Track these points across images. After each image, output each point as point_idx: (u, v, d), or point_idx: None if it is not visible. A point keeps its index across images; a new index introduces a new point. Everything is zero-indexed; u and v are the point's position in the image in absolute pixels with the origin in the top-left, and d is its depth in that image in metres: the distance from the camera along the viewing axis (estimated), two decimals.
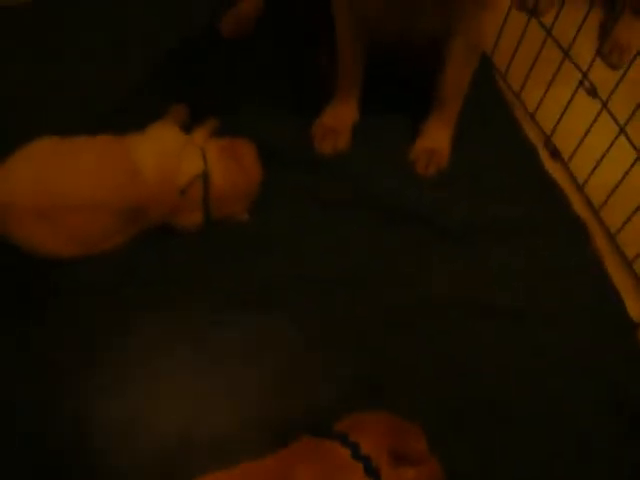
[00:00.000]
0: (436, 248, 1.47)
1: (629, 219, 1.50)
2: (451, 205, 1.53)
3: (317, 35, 1.69)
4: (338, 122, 1.62)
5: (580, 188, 1.64)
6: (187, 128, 1.50)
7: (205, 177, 1.36)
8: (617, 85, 1.50)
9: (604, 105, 1.54)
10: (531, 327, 1.38)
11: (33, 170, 1.29)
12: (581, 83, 1.59)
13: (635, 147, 1.48)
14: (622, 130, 1.51)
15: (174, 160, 1.35)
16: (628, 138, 1.50)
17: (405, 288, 1.41)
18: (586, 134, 1.60)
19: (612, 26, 1.97)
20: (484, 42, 1.52)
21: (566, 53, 1.61)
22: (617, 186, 1.53)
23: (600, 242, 1.56)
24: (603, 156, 1.55)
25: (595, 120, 1.57)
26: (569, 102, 1.63)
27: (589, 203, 1.62)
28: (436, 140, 1.62)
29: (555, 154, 1.70)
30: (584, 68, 1.59)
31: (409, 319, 1.36)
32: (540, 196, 1.59)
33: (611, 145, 1.53)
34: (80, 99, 1.61)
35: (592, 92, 1.57)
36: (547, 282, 1.45)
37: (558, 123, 1.67)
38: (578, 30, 1.55)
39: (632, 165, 1.48)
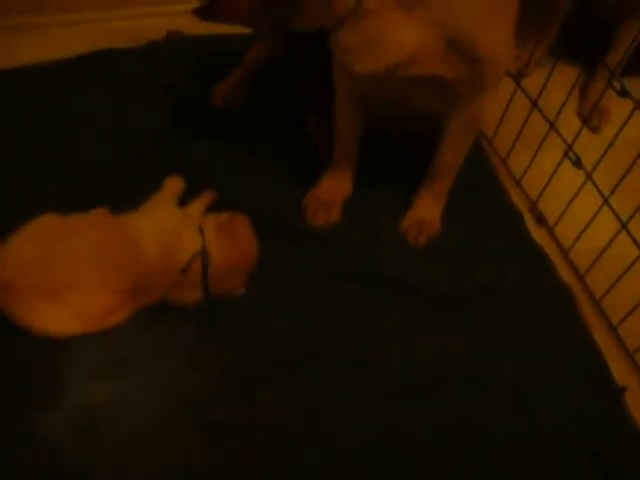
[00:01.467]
0: (430, 319, 1.51)
1: (614, 285, 1.55)
2: (442, 274, 1.57)
3: (309, 105, 1.74)
4: (332, 195, 1.65)
5: (565, 253, 1.69)
6: (183, 200, 1.55)
7: (204, 254, 1.39)
8: (602, 157, 1.56)
9: (588, 176, 1.61)
10: (522, 394, 1.42)
11: (36, 249, 1.32)
12: (566, 154, 1.64)
13: (619, 218, 1.53)
14: (606, 201, 1.58)
15: (174, 238, 1.39)
16: (612, 209, 1.56)
17: (403, 358, 1.44)
18: (571, 202, 1.66)
19: (592, 90, 2.05)
20: (482, 122, 1.56)
21: (552, 124, 1.69)
22: (601, 253, 1.58)
23: (585, 307, 1.61)
24: (587, 224, 1.61)
25: (580, 190, 1.63)
26: (554, 172, 1.69)
27: (574, 268, 1.67)
28: (427, 211, 1.67)
29: (541, 220, 1.77)
30: (568, 131, 1.65)
31: (408, 389, 1.40)
32: (526, 263, 1.65)
33: (596, 214, 1.59)
34: (78, 171, 1.63)
35: (577, 163, 1.63)
36: (535, 348, 1.50)
37: (544, 190, 1.74)
38: (563, 104, 1.62)
39: (616, 234, 1.54)
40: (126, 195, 1.54)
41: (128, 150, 1.68)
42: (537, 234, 1.73)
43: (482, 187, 1.78)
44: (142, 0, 2.03)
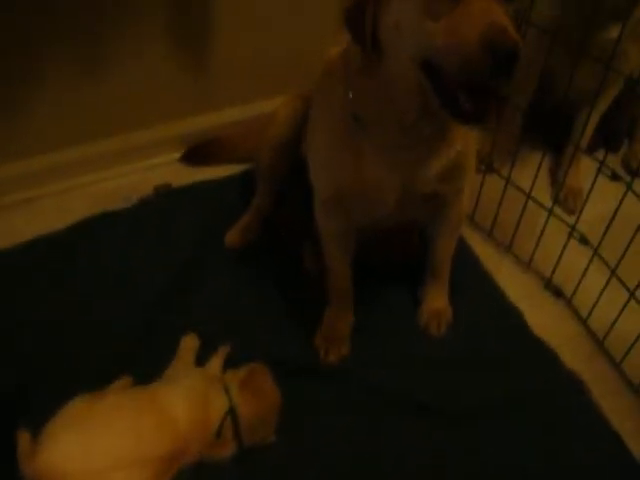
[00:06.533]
0: (448, 435, 1.55)
1: (632, 345, 1.64)
2: (453, 387, 1.63)
3: (305, 234, 1.81)
4: (337, 331, 1.73)
5: (584, 322, 1.79)
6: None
7: (233, 413, 1.45)
8: (605, 232, 1.65)
9: (595, 251, 1.72)
10: None
11: (76, 434, 1.35)
12: (570, 234, 1.76)
13: (627, 288, 1.64)
14: (613, 272, 1.68)
15: (202, 401, 1.44)
16: (619, 280, 1.67)
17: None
18: (583, 275, 1.76)
19: (563, 172, 2.13)
20: (465, 215, 1.71)
21: (550, 211, 1.80)
22: (616, 320, 1.68)
23: (604, 369, 1.70)
24: (599, 296, 1.71)
25: (589, 264, 1.74)
26: (562, 251, 1.79)
27: (594, 336, 1.77)
28: (437, 301, 1.79)
29: (559, 293, 1.86)
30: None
31: None
32: (532, 360, 1.71)
33: (606, 286, 1.70)
34: (94, 341, 1.65)
35: (582, 240, 1.76)
36: (557, 445, 1.55)
37: (555, 269, 1.83)
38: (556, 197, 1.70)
39: (627, 302, 1.64)
40: (145, 357, 1.61)
41: (140, 313, 1.71)
42: (555, 305, 1.83)
43: (478, 291, 1.85)
44: (123, 159, 2.07)
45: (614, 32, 1.68)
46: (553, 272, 1.86)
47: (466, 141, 1.42)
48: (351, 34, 1.23)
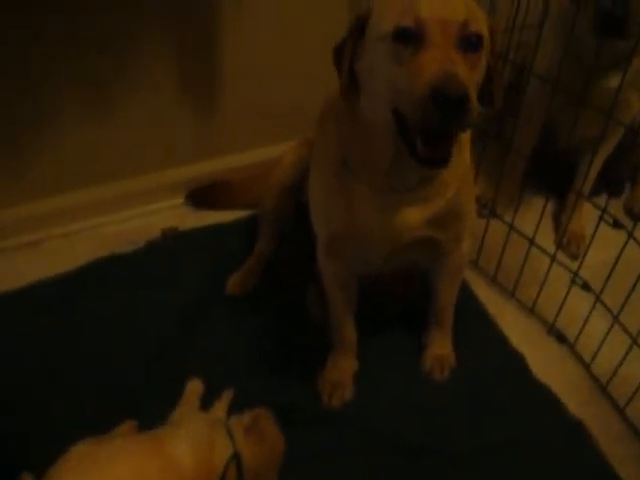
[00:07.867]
0: (446, 476, 1.56)
1: (635, 392, 1.65)
2: (454, 432, 1.64)
3: (308, 275, 1.82)
4: (341, 375, 1.74)
5: (587, 367, 1.80)
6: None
7: (237, 458, 1.45)
8: (608, 278, 1.67)
9: (597, 297, 1.74)
10: None
11: (79, 478, 1.34)
12: (573, 281, 1.78)
13: (630, 334, 1.66)
14: (615, 319, 1.69)
15: (207, 447, 1.44)
16: (622, 326, 1.68)
17: None
18: (585, 322, 1.78)
19: (566, 218, 2.17)
20: (466, 264, 1.71)
21: (553, 258, 1.82)
22: (619, 365, 1.68)
23: (609, 416, 1.70)
24: (602, 342, 1.73)
25: (592, 310, 1.75)
26: (565, 297, 1.81)
27: (597, 381, 1.78)
28: (441, 347, 1.81)
29: (562, 339, 1.87)
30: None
31: None
32: (534, 406, 1.72)
33: (609, 332, 1.71)
34: (98, 386, 1.66)
35: (585, 287, 1.77)
36: None
37: (558, 314, 1.85)
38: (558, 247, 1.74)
39: (628, 351, 1.66)
40: (150, 400, 1.62)
41: (145, 355, 1.73)
42: (558, 351, 1.84)
43: (481, 336, 1.87)
44: (130, 202, 2.11)
45: (615, 81, 1.71)
46: (556, 317, 1.87)
47: (461, 189, 1.43)
48: (337, 73, 1.26)
